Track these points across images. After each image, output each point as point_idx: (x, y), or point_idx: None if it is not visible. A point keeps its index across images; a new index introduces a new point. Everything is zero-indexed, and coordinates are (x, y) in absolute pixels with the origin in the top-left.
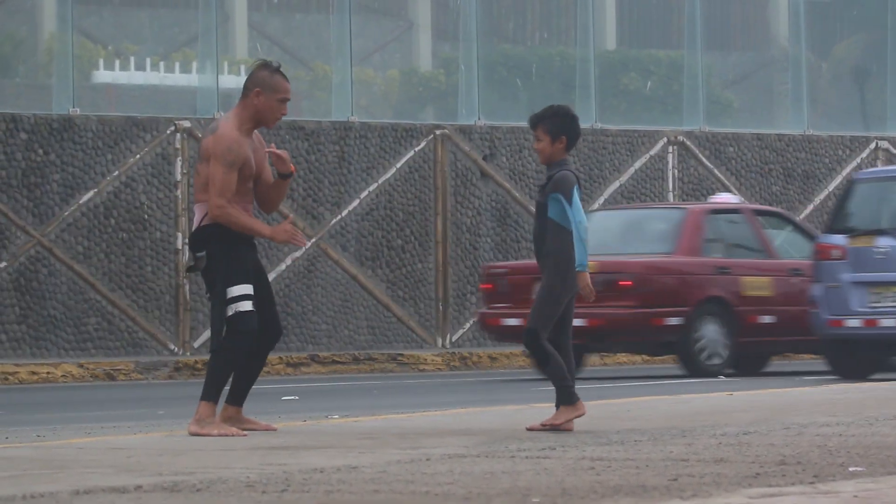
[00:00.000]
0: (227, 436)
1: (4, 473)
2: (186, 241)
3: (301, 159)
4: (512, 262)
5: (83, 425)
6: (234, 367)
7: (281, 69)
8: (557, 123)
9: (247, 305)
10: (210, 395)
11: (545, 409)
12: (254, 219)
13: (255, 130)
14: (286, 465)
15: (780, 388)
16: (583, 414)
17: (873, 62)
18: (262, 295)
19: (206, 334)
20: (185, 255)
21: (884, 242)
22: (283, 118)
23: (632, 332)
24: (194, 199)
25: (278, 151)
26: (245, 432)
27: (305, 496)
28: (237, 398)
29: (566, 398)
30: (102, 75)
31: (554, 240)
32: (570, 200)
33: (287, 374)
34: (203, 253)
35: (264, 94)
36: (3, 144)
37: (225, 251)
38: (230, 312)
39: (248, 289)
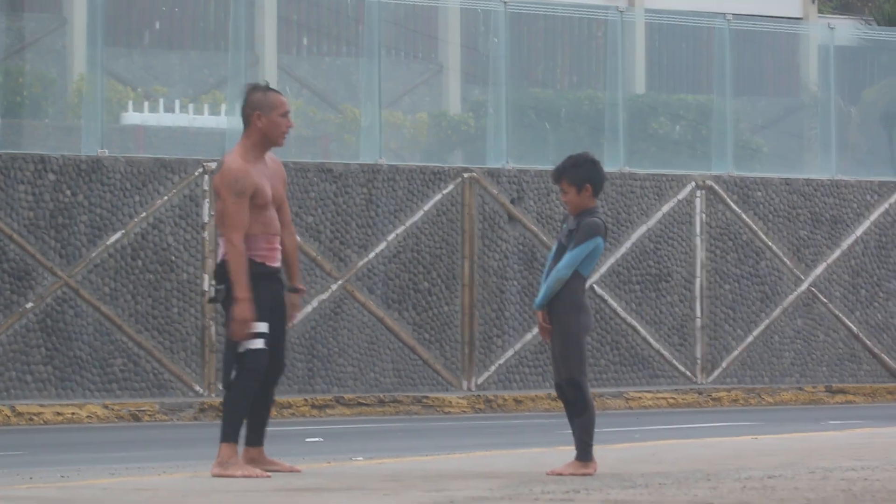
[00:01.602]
0: (250, 477)
1: None
2: (212, 281)
3: (329, 202)
4: None
5: (107, 466)
6: (247, 405)
7: (270, 86)
8: (580, 173)
9: (258, 344)
10: (229, 436)
11: (570, 452)
12: (244, 279)
13: (269, 154)
14: None
15: (805, 432)
16: (591, 474)
17: None
18: (275, 329)
19: None
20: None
21: None
22: (312, 161)
23: None
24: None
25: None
26: (269, 474)
27: None
28: (255, 438)
29: (585, 454)
30: (131, 117)
31: (569, 288)
32: (579, 250)
33: (312, 415)
34: (223, 286)
35: (265, 114)
36: (31, 185)
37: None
38: (241, 349)
39: (260, 327)
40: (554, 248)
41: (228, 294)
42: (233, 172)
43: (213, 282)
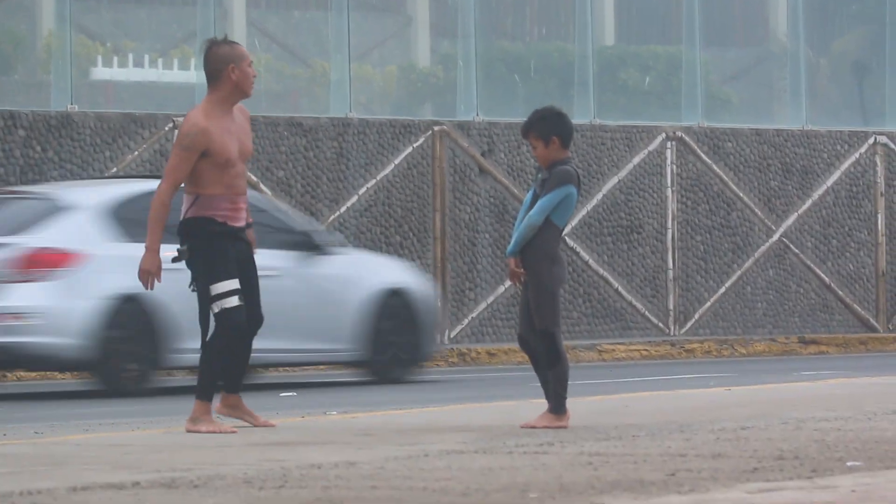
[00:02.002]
0: (217, 433)
1: (3, 470)
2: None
3: (300, 156)
4: None
5: (81, 422)
6: (225, 363)
7: (228, 39)
8: (546, 126)
9: (233, 301)
10: (203, 394)
11: (543, 405)
12: (156, 229)
13: (239, 105)
14: (284, 461)
15: (778, 383)
16: (564, 427)
17: (872, 57)
18: (247, 283)
19: None
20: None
21: None
22: (282, 115)
23: None
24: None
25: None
26: (235, 429)
27: (303, 492)
28: (233, 386)
29: (558, 407)
30: (101, 72)
31: (542, 237)
32: (550, 198)
33: (285, 371)
34: (186, 245)
35: (238, 66)
36: (1, 141)
37: (206, 245)
38: (216, 310)
39: (232, 284)
40: (528, 197)
41: (191, 254)
42: (187, 126)
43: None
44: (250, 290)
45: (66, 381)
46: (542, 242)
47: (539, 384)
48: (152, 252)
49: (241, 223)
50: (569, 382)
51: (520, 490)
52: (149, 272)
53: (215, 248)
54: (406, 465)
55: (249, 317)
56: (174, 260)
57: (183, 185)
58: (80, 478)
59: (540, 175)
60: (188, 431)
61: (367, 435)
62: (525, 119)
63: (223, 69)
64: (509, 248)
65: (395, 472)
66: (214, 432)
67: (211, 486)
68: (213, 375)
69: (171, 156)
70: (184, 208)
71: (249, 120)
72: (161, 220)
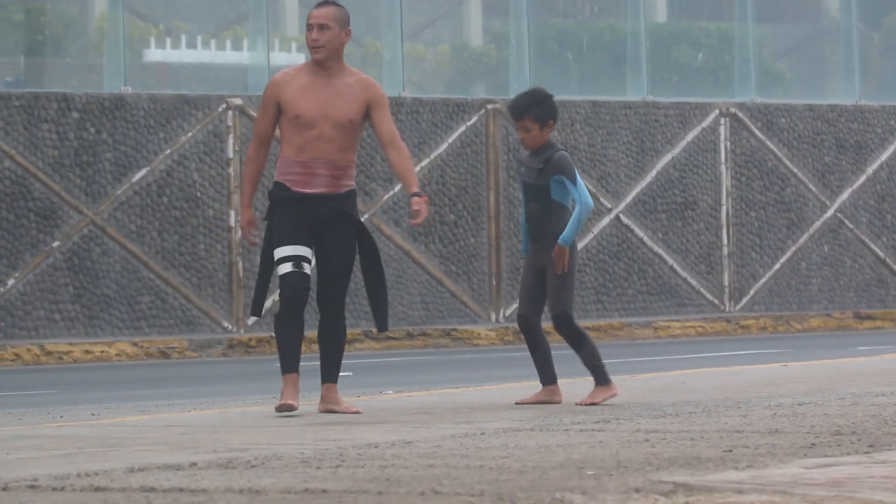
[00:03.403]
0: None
1: (60, 451)
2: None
3: None
4: None
5: (137, 403)
6: (281, 333)
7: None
8: (544, 110)
9: (286, 268)
10: (281, 367)
11: (588, 382)
12: (245, 186)
13: (361, 76)
14: (340, 441)
15: (834, 358)
16: (615, 395)
17: None
18: (321, 259)
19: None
20: (238, 233)
21: None
22: None
23: None
24: None
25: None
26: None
27: (360, 471)
28: (322, 374)
29: (601, 378)
30: (154, 54)
31: (557, 221)
32: (574, 181)
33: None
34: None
35: (308, 29)
36: (55, 124)
37: (270, 213)
38: (282, 272)
39: (285, 251)
40: (521, 193)
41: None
42: (266, 87)
43: None
44: (323, 265)
45: (120, 363)
46: (562, 228)
47: (534, 365)
48: (244, 207)
49: (315, 189)
50: (623, 359)
51: (576, 467)
52: (241, 227)
53: (273, 215)
54: (462, 444)
55: (321, 294)
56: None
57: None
58: (138, 459)
59: (525, 167)
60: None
61: (424, 413)
62: (514, 102)
63: (343, 32)
64: (566, 235)
65: (451, 451)
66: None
67: (268, 465)
68: (278, 347)
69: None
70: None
71: (369, 92)
72: (247, 177)
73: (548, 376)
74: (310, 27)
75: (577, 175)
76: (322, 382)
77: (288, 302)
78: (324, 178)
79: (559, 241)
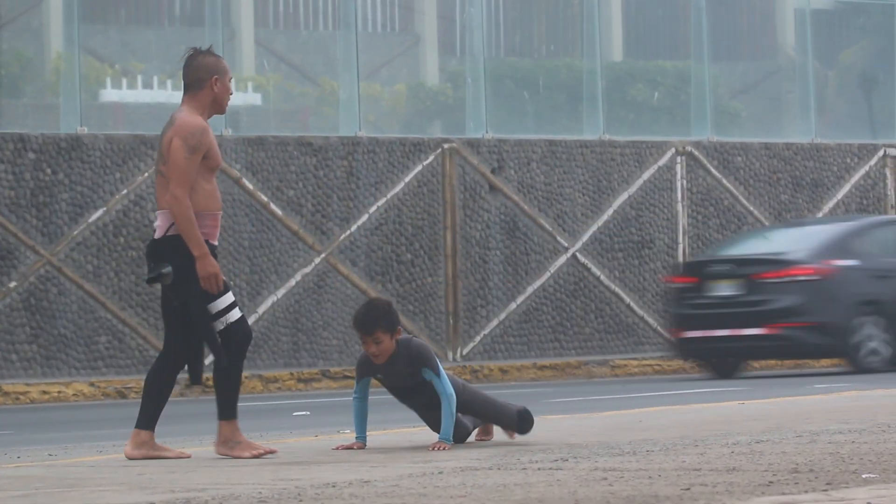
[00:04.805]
0: (261, 455)
1: (17, 492)
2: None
3: (310, 175)
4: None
5: (95, 444)
6: (240, 378)
7: (213, 50)
8: (392, 319)
9: (235, 314)
10: (231, 413)
11: (557, 420)
12: (196, 231)
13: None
14: (298, 481)
15: (791, 396)
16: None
17: (880, 69)
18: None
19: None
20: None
21: None
22: (292, 134)
23: None
24: (159, 204)
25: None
26: (276, 449)
27: None
28: (152, 422)
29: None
30: (110, 94)
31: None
32: (438, 373)
33: (298, 389)
34: (169, 268)
35: (221, 79)
36: (11, 164)
37: (192, 265)
38: (221, 327)
39: (229, 298)
40: (396, 398)
41: (177, 276)
42: (190, 126)
43: (152, 263)
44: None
45: (78, 403)
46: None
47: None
48: (206, 255)
49: (216, 241)
50: (582, 398)
51: None
52: (215, 274)
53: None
54: (421, 483)
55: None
56: (150, 281)
57: (157, 200)
58: (96, 499)
59: (387, 375)
60: (221, 455)
61: (381, 453)
62: (359, 317)
63: (206, 79)
64: (444, 433)
65: (409, 490)
66: (258, 455)
67: None
68: (236, 393)
69: (177, 159)
70: (161, 226)
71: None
72: (196, 225)
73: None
74: (231, 80)
75: (440, 364)
76: (152, 429)
77: (247, 345)
78: (219, 231)
79: (440, 437)
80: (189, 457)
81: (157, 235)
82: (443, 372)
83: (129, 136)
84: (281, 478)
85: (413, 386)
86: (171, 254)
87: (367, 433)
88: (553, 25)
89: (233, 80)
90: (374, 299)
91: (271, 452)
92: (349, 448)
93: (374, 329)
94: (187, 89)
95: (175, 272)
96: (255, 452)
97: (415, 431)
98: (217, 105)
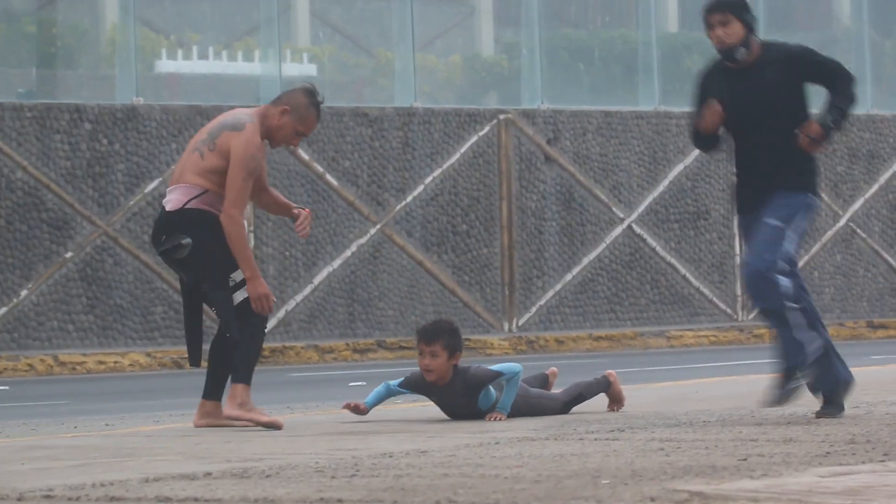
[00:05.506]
0: (269, 424)
1: (75, 462)
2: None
3: (365, 146)
4: None
5: (151, 413)
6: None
7: (320, 106)
8: (456, 341)
9: (245, 294)
10: (247, 377)
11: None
12: (249, 253)
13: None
14: (355, 451)
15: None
16: None
17: None
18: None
19: (272, 321)
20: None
21: None
22: (347, 105)
23: None
24: (179, 178)
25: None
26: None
27: (375, 480)
28: (218, 391)
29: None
30: (165, 65)
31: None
32: (498, 382)
33: (354, 359)
34: (189, 240)
35: (290, 117)
36: (67, 135)
37: (215, 237)
38: (241, 298)
39: (239, 275)
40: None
41: (195, 248)
42: (252, 148)
43: (164, 235)
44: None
45: (134, 373)
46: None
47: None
48: (257, 277)
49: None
50: (637, 369)
51: (591, 476)
52: (266, 295)
53: (223, 241)
54: (477, 453)
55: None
56: (164, 253)
57: (181, 173)
58: (152, 469)
59: (444, 401)
60: (231, 417)
61: (438, 423)
62: (426, 326)
63: (282, 104)
64: (502, 403)
65: (466, 460)
66: (268, 423)
67: (283, 475)
68: (255, 359)
69: (235, 181)
70: (181, 199)
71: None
72: (249, 247)
73: None
74: (301, 134)
75: (495, 369)
76: (219, 399)
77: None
78: None
79: (498, 408)
80: (281, 427)
81: (169, 208)
82: (497, 367)
83: (184, 106)
84: (338, 447)
85: (468, 413)
86: (186, 226)
87: (423, 403)
88: None
89: (295, 128)
90: (443, 318)
91: (279, 425)
92: (356, 406)
93: (435, 339)
94: (273, 101)
95: (192, 244)
96: (264, 419)
97: None
98: (270, 133)
